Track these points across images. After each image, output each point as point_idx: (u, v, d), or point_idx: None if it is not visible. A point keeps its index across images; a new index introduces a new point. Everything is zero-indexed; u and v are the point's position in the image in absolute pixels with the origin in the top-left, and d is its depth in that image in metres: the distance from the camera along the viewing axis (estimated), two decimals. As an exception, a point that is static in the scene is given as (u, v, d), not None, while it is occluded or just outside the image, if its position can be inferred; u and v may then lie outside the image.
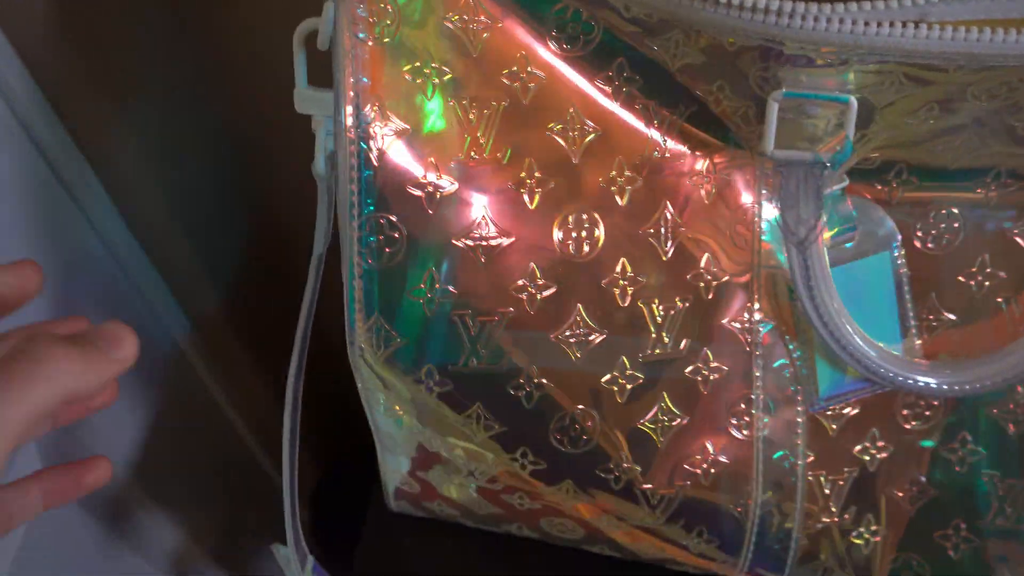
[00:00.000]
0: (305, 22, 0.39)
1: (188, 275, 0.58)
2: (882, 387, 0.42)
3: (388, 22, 0.37)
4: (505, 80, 0.39)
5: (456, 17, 0.38)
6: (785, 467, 0.43)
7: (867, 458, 0.44)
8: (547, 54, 0.39)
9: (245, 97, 0.58)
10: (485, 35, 0.38)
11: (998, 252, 0.41)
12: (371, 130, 0.38)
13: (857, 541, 0.44)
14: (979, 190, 0.40)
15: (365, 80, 0.37)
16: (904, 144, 0.39)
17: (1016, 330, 0.42)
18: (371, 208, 0.38)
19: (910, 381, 0.41)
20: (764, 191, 0.41)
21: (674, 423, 0.43)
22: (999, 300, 0.41)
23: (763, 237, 0.41)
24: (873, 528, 0.44)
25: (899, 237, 0.41)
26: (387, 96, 0.38)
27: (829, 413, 0.43)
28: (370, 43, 0.37)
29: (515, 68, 0.39)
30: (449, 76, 0.38)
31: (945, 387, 0.41)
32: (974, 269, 0.41)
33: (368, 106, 0.37)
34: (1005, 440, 0.42)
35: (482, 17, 0.38)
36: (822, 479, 0.44)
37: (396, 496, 0.51)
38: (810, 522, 0.44)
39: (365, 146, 0.38)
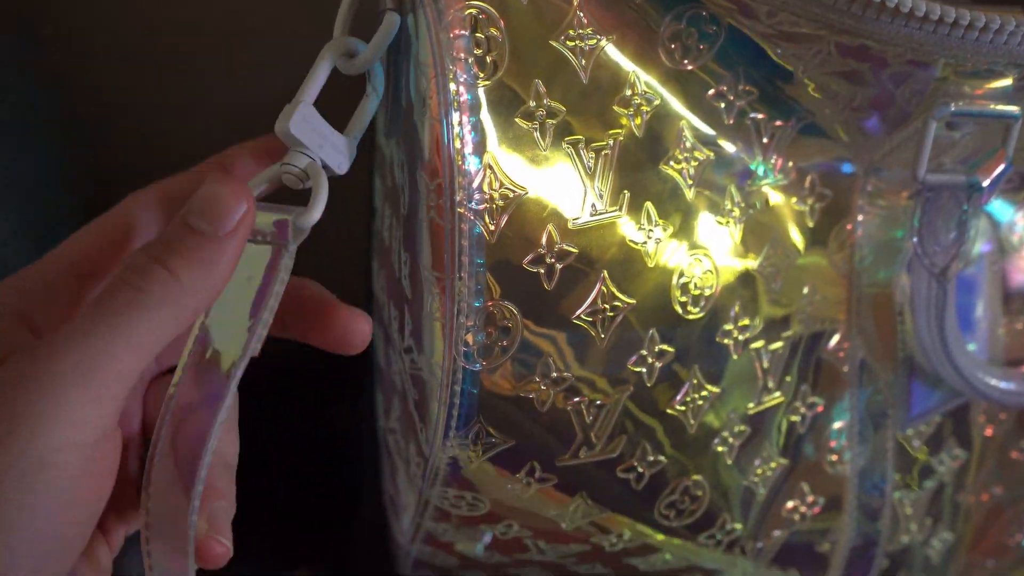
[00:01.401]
0: (338, 42, 0.29)
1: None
2: (968, 398, 0.40)
3: (494, 53, 0.28)
4: (618, 109, 0.31)
5: (564, 35, 0.29)
6: (875, 495, 0.40)
7: (943, 468, 0.41)
8: (658, 69, 0.31)
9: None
10: (597, 54, 0.30)
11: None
12: (484, 202, 0.28)
13: (931, 552, 0.43)
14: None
15: (473, 136, 0.28)
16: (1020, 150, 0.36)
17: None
18: (480, 301, 0.29)
19: (996, 389, 0.39)
20: (866, 208, 0.36)
21: (776, 470, 0.38)
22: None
23: (863, 259, 0.37)
24: (945, 536, 0.42)
25: (992, 242, 0.38)
26: (499, 153, 0.29)
27: (911, 432, 0.40)
28: (479, 82, 0.28)
29: (628, 92, 0.31)
30: (563, 113, 0.30)
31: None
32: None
33: (481, 172, 0.28)
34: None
35: (591, 31, 0.30)
36: (905, 499, 0.41)
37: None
38: (892, 543, 0.42)
39: (479, 227, 0.28)
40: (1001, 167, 0.33)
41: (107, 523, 0.28)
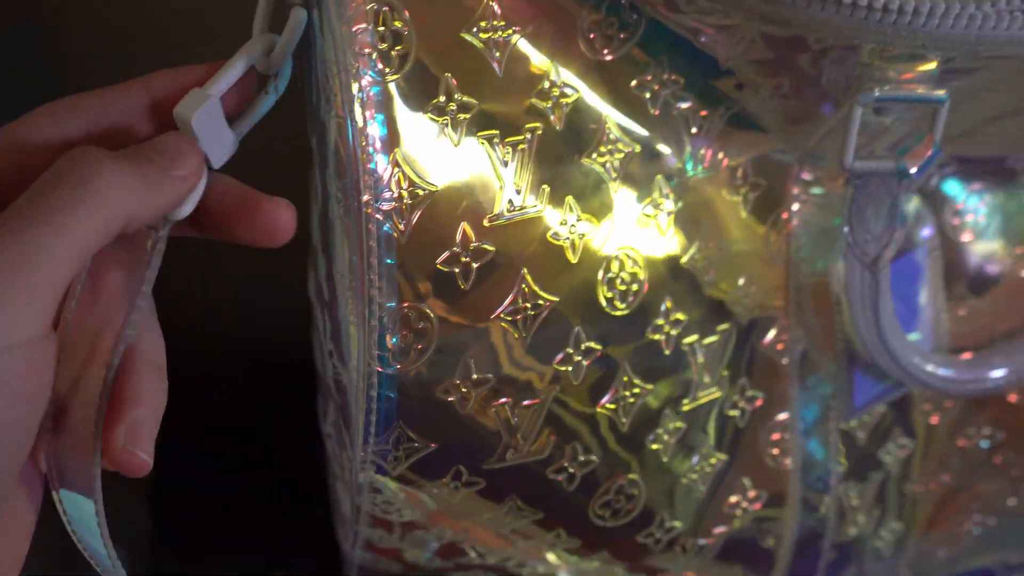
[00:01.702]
0: (256, 40, 0.28)
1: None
2: (911, 386, 0.39)
3: (400, 47, 0.27)
4: (536, 102, 0.30)
5: (476, 27, 0.28)
6: (820, 487, 0.40)
7: (889, 459, 0.41)
8: (578, 60, 0.30)
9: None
10: (511, 46, 0.29)
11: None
12: (392, 201, 0.28)
13: (880, 543, 0.42)
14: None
15: (380, 133, 0.27)
16: (952, 136, 0.35)
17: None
18: (393, 302, 0.28)
19: (936, 377, 0.38)
20: (802, 196, 0.36)
21: (715, 466, 0.37)
22: None
23: (800, 248, 0.36)
24: (893, 526, 0.42)
25: (933, 227, 0.38)
26: (407, 150, 0.28)
27: (854, 423, 0.39)
28: (385, 78, 0.27)
29: (546, 85, 0.30)
30: (475, 108, 0.29)
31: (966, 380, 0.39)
32: (1004, 252, 0.38)
33: (388, 170, 0.27)
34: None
35: (504, 23, 0.29)
36: (850, 491, 0.40)
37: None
38: (839, 535, 0.41)
39: (388, 227, 0.27)
40: (929, 153, 0.32)
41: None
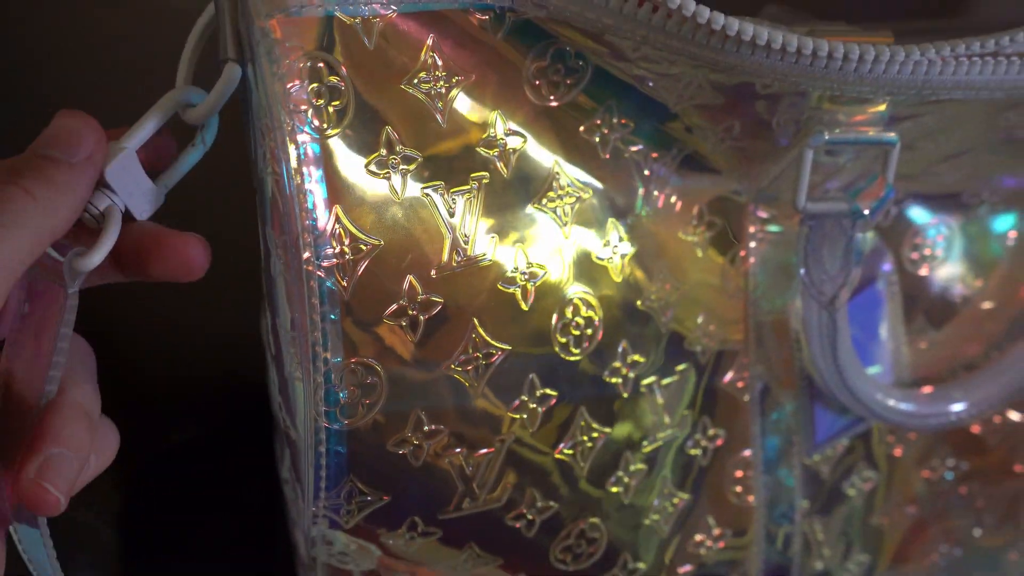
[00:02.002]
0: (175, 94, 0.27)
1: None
2: (873, 421, 0.39)
3: (338, 103, 0.27)
4: (482, 151, 0.29)
5: (417, 79, 0.28)
6: (784, 522, 0.39)
7: (853, 492, 0.40)
8: (524, 107, 0.30)
9: None
10: (454, 96, 0.29)
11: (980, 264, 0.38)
12: (334, 258, 0.27)
13: (847, 575, 0.42)
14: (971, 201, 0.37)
15: (320, 189, 0.27)
16: (909, 175, 0.35)
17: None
18: (339, 358, 0.28)
19: (895, 411, 0.38)
20: (758, 235, 0.35)
21: (678, 505, 0.37)
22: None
23: (758, 286, 0.36)
24: (860, 558, 0.42)
25: (891, 262, 0.37)
26: (349, 205, 0.27)
27: (817, 458, 0.39)
28: (323, 134, 0.27)
29: (492, 133, 0.30)
30: (419, 160, 0.28)
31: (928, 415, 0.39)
32: (961, 285, 0.38)
33: (330, 226, 0.27)
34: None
35: (445, 73, 0.28)
36: (816, 525, 0.40)
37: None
38: (806, 569, 0.41)
39: (331, 283, 0.27)
40: (882, 194, 0.32)
41: None
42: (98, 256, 0.26)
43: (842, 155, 0.32)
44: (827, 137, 0.30)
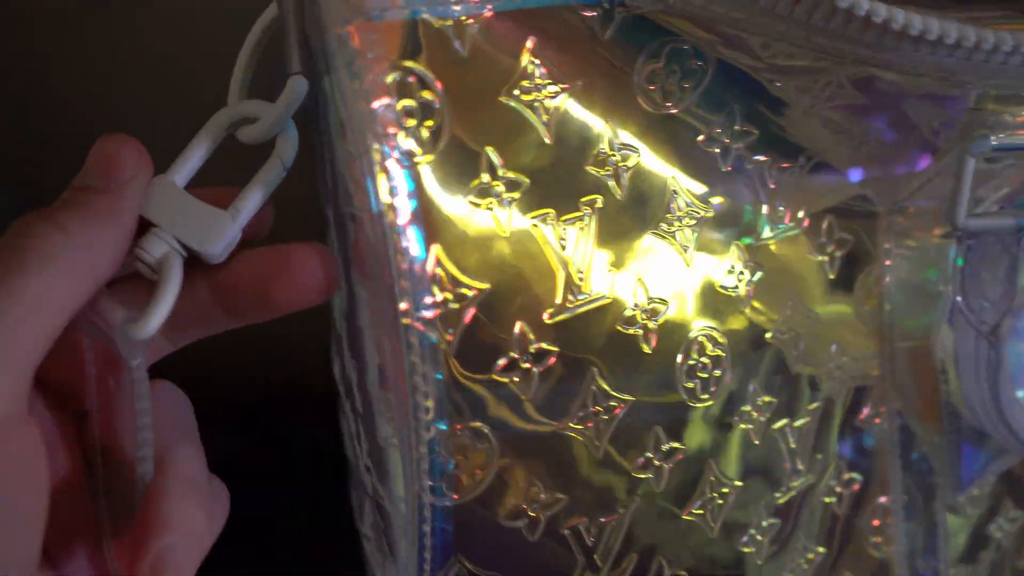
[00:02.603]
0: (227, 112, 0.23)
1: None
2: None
3: (431, 122, 0.22)
4: (592, 170, 0.25)
5: (517, 89, 0.24)
6: (927, 575, 0.35)
7: (999, 535, 0.36)
8: (636, 117, 0.26)
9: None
10: (560, 107, 0.24)
11: None
12: (436, 308, 0.23)
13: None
14: None
15: (416, 226, 0.22)
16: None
17: None
18: (444, 424, 0.24)
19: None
20: (894, 251, 0.31)
21: (813, 561, 0.32)
22: None
23: (894, 311, 0.31)
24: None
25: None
26: (450, 244, 0.23)
27: (962, 499, 0.35)
28: (416, 160, 0.22)
29: (602, 148, 0.25)
30: (525, 185, 0.24)
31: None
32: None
33: (428, 270, 0.23)
34: None
35: (549, 81, 0.24)
36: (961, 573, 0.35)
37: None
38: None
39: (434, 338, 0.23)
40: (1055, 202, 0.27)
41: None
42: (155, 320, 0.22)
43: (1000, 161, 0.28)
44: (993, 142, 0.26)
